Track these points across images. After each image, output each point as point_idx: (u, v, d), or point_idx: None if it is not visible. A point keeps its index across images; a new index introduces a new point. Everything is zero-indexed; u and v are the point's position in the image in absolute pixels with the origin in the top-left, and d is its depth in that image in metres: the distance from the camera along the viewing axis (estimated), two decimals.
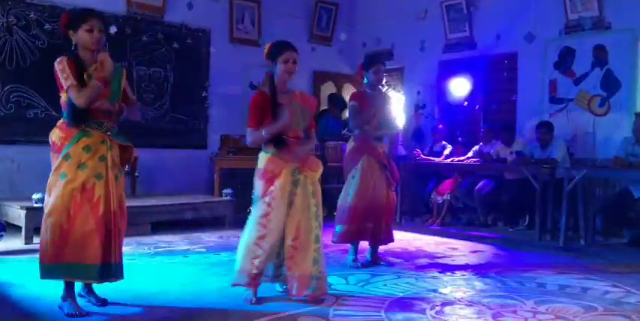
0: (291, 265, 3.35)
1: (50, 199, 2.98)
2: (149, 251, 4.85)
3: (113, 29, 6.39)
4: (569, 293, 3.67)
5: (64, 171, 2.97)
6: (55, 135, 3.05)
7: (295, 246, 3.35)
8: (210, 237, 5.68)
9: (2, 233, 4.80)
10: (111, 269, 3.02)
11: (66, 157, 2.98)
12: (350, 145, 4.56)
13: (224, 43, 7.64)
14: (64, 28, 3.06)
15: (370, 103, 4.46)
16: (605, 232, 5.97)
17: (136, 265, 4.28)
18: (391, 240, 4.56)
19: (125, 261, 4.31)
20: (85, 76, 2.96)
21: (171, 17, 7.16)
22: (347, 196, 4.41)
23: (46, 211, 3.00)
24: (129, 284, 3.61)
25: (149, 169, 6.76)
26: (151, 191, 6.79)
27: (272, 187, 3.34)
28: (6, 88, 5.98)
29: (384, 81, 4.51)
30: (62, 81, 2.94)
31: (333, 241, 4.46)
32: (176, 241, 5.42)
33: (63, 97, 3.02)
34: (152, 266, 4.30)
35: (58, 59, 2.98)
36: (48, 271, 2.97)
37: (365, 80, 4.55)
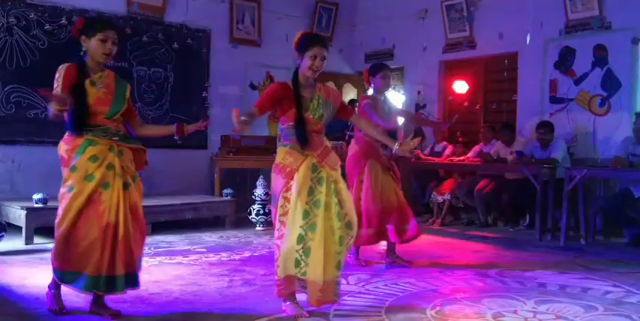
0: (313, 269, 3.04)
1: (59, 210, 2.97)
2: (149, 251, 4.85)
3: None
4: (570, 293, 3.67)
5: (70, 184, 2.93)
6: (61, 149, 3.01)
7: (314, 247, 3.04)
8: (211, 237, 5.68)
9: (3, 233, 4.81)
10: (115, 282, 2.94)
11: (72, 169, 2.93)
12: (353, 149, 4.54)
13: (224, 43, 7.64)
14: (78, 33, 3.00)
15: (380, 107, 4.47)
16: (605, 231, 5.96)
17: None
18: (418, 234, 4.49)
19: None
20: (86, 83, 2.95)
21: (172, 17, 7.16)
22: (359, 201, 4.37)
23: (56, 221, 2.98)
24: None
25: (149, 169, 6.70)
26: (151, 191, 6.78)
27: (292, 182, 3.11)
28: (6, 89, 5.98)
29: (391, 87, 4.53)
30: (55, 84, 2.93)
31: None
32: (176, 241, 5.42)
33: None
34: (152, 266, 4.30)
35: (60, 67, 2.96)
36: (60, 277, 2.96)
37: (371, 86, 4.57)
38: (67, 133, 3.02)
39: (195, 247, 5.14)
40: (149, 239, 5.36)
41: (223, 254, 4.82)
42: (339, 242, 3.09)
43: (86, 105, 2.93)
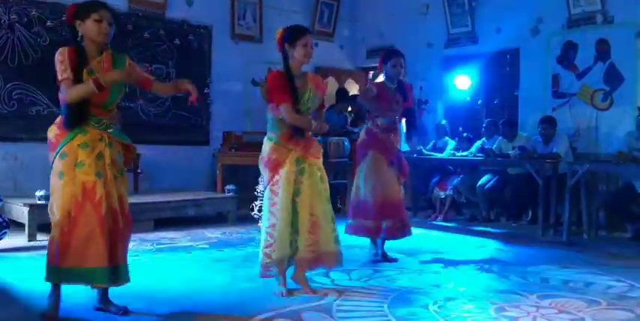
0: (316, 249, 3.41)
1: (53, 201, 2.89)
2: (152, 248, 4.86)
3: None
4: (573, 288, 3.67)
5: (61, 171, 2.85)
6: (51, 132, 2.94)
7: (314, 233, 3.41)
8: (214, 233, 5.69)
9: (6, 230, 4.81)
10: (119, 272, 2.91)
11: (62, 155, 2.86)
12: (361, 138, 4.56)
13: (226, 39, 7.63)
14: (72, 18, 2.91)
15: (388, 95, 4.40)
16: (608, 226, 5.95)
17: (139, 261, 4.28)
18: (408, 233, 4.52)
19: (128, 258, 4.35)
20: (84, 71, 2.86)
21: (173, 14, 7.15)
22: (358, 190, 4.42)
23: (50, 213, 2.93)
24: (132, 281, 3.62)
25: (152, 165, 6.77)
26: (153, 188, 6.80)
27: (277, 176, 3.37)
28: (8, 86, 5.98)
29: (401, 75, 4.45)
30: (59, 72, 2.82)
31: (345, 233, 4.45)
32: (179, 237, 5.42)
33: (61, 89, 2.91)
34: (155, 263, 4.30)
35: (60, 49, 2.87)
36: (52, 273, 2.87)
37: (383, 73, 4.51)
38: (59, 117, 2.95)
39: (197, 243, 5.15)
40: (151, 236, 5.40)
41: (226, 250, 4.82)
42: (332, 221, 3.47)
43: (85, 99, 2.85)
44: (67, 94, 2.82)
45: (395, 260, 4.43)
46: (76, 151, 2.86)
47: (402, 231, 4.45)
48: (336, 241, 3.49)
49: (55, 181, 2.89)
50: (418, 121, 4.42)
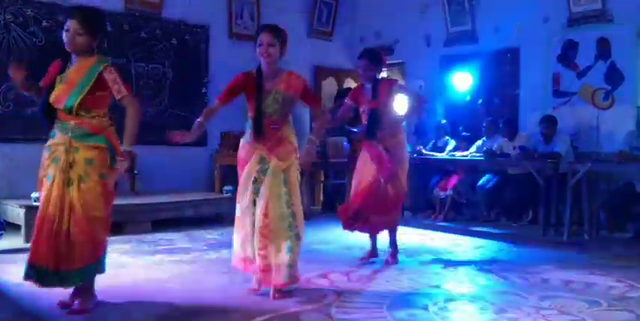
0: (265, 254, 3.30)
1: None
2: (150, 249, 4.83)
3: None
4: (573, 288, 3.64)
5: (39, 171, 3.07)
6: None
7: (266, 235, 3.30)
8: (211, 234, 5.65)
9: (2, 232, 4.78)
10: (58, 276, 2.94)
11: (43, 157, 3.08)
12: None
13: (223, 38, 7.60)
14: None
15: (363, 100, 4.39)
16: (609, 226, 5.91)
17: (136, 263, 4.26)
18: (382, 229, 4.47)
19: (126, 259, 4.33)
20: (57, 79, 3.01)
21: (169, 13, 7.11)
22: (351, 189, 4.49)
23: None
24: (129, 282, 3.59)
25: (149, 166, 6.72)
26: (151, 189, 6.75)
27: (241, 173, 3.43)
28: (3, 86, 5.94)
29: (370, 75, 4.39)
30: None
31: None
32: (177, 238, 5.39)
33: None
34: (153, 264, 4.27)
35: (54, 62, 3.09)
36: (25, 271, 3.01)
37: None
38: None
39: (196, 244, 5.12)
40: (149, 237, 5.37)
41: (224, 251, 4.78)
42: (288, 228, 3.32)
43: (47, 102, 3.02)
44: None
45: (376, 256, 4.44)
46: (45, 154, 3.06)
47: (381, 226, 4.41)
48: (289, 250, 3.29)
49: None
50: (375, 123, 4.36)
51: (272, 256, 3.30)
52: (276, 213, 3.31)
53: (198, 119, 3.44)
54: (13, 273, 3.88)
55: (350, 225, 4.39)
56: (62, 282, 2.98)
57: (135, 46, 6.83)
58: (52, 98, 3.00)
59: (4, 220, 5.05)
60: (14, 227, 5.16)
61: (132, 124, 3.11)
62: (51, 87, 3.01)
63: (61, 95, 2.99)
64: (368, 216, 4.31)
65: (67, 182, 2.95)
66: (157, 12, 7.00)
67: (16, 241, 4.98)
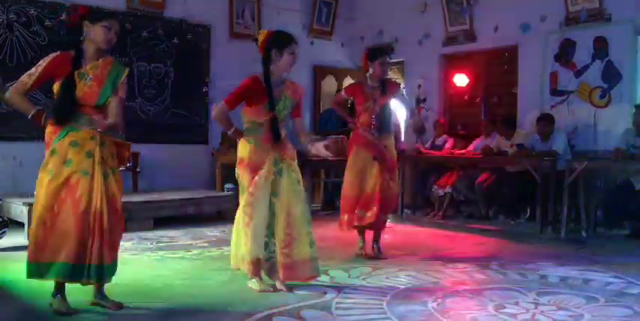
0: (289, 252, 3.39)
1: (38, 196, 2.92)
2: (151, 246, 4.86)
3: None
4: (571, 285, 3.68)
5: (50, 167, 2.90)
6: (46, 131, 3.00)
7: (290, 233, 3.40)
8: (213, 232, 5.69)
9: (5, 230, 4.82)
10: (84, 270, 2.89)
11: (52, 152, 2.92)
12: (350, 138, 4.65)
13: (224, 38, 7.63)
14: (80, 18, 3.00)
15: (368, 96, 4.44)
16: (606, 223, 5.95)
17: (138, 260, 4.30)
18: (381, 226, 4.55)
19: (128, 256, 4.36)
20: (76, 73, 2.94)
21: (171, 13, 7.15)
22: (344, 187, 4.52)
23: (34, 206, 2.96)
24: (131, 279, 3.62)
25: (150, 164, 6.77)
26: (152, 187, 6.80)
27: (256, 178, 3.40)
28: (7, 85, 5.96)
29: (387, 74, 4.48)
30: (30, 70, 2.94)
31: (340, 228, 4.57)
32: (178, 236, 5.43)
33: (55, 87, 2.99)
34: (155, 261, 4.31)
35: (53, 54, 2.98)
36: (32, 270, 2.90)
37: (369, 71, 4.48)
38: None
39: (197, 241, 5.15)
40: (151, 234, 5.41)
41: (225, 248, 4.81)
42: (307, 223, 3.45)
43: (73, 98, 2.94)
44: (8, 93, 2.96)
45: (376, 257, 4.47)
46: (67, 149, 2.92)
47: (377, 224, 4.46)
48: (311, 244, 3.45)
49: (42, 176, 2.94)
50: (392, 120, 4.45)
51: (297, 252, 3.40)
52: (298, 210, 3.43)
53: (230, 130, 3.54)
54: (16, 270, 3.92)
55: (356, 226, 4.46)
56: (100, 277, 2.94)
57: (137, 45, 6.87)
58: (79, 94, 2.95)
59: (8, 218, 5.08)
60: (17, 225, 5.19)
61: (120, 113, 3.08)
62: (68, 81, 2.93)
63: (90, 92, 2.97)
64: (379, 215, 4.40)
65: (105, 176, 2.96)
66: (159, 11, 7.04)
67: (20, 238, 5.01)
